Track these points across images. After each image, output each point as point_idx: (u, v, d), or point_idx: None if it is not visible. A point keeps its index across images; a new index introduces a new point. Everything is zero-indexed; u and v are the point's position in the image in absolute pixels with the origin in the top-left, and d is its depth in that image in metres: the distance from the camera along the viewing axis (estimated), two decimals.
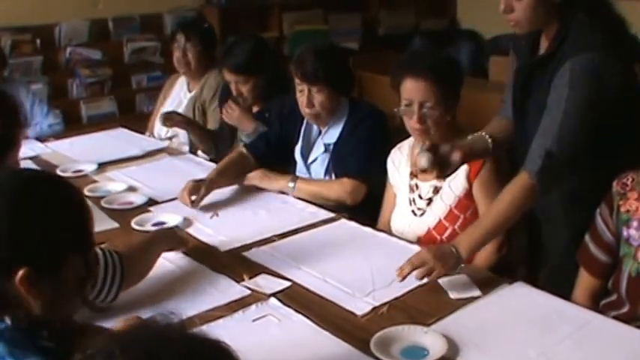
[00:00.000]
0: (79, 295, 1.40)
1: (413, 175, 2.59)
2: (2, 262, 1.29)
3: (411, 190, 2.59)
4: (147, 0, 5.67)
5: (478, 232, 2.08)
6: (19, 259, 1.29)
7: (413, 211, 2.56)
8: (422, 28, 6.68)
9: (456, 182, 2.46)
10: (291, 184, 2.85)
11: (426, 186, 2.55)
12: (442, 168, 2.16)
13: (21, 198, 1.33)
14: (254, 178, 2.93)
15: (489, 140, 2.28)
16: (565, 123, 2.00)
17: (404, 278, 1.98)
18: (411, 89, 2.42)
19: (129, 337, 0.90)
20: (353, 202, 2.80)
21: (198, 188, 2.74)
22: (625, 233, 1.92)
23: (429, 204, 2.51)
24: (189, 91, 4.00)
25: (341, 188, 2.81)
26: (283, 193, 2.87)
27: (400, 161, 2.67)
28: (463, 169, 2.39)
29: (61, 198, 1.38)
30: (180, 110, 3.90)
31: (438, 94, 2.40)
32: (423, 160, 2.12)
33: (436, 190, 2.51)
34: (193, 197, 2.72)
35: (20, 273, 1.28)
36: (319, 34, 6.16)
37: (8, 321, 1.27)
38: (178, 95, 4.07)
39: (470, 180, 2.46)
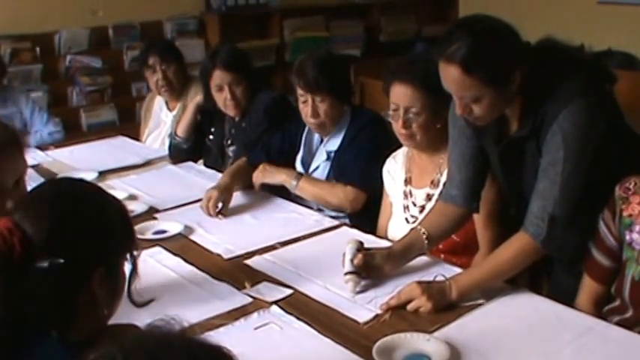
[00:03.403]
0: (127, 292, 1.47)
1: (407, 182, 2.59)
2: (82, 263, 1.33)
3: (405, 196, 2.58)
4: (147, 7, 5.67)
5: (478, 279, 2.03)
6: (94, 258, 1.35)
7: (406, 219, 2.55)
8: (423, 34, 6.67)
9: None
10: (294, 182, 2.83)
11: (420, 193, 2.54)
12: (369, 271, 2.13)
13: (96, 201, 1.42)
14: (257, 176, 2.92)
15: (426, 242, 2.21)
16: (565, 186, 1.94)
17: (387, 311, 1.97)
18: (398, 94, 2.42)
19: (131, 342, 0.89)
20: (352, 210, 2.78)
21: (220, 197, 2.75)
22: (628, 237, 1.92)
23: (421, 211, 2.50)
24: (170, 111, 3.95)
25: (343, 195, 2.77)
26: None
27: (395, 169, 2.66)
28: None
29: (113, 200, 1.47)
30: (164, 130, 3.91)
31: (424, 101, 2.38)
32: (348, 265, 2.11)
33: (429, 198, 2.50)
34: (219, 205, 2.74)
35: (99, 272, 1.34)
36: (320, 41, 6.15)
37: (55, 334, 1.29)
38: (158, 116, 4.04)
39: None
